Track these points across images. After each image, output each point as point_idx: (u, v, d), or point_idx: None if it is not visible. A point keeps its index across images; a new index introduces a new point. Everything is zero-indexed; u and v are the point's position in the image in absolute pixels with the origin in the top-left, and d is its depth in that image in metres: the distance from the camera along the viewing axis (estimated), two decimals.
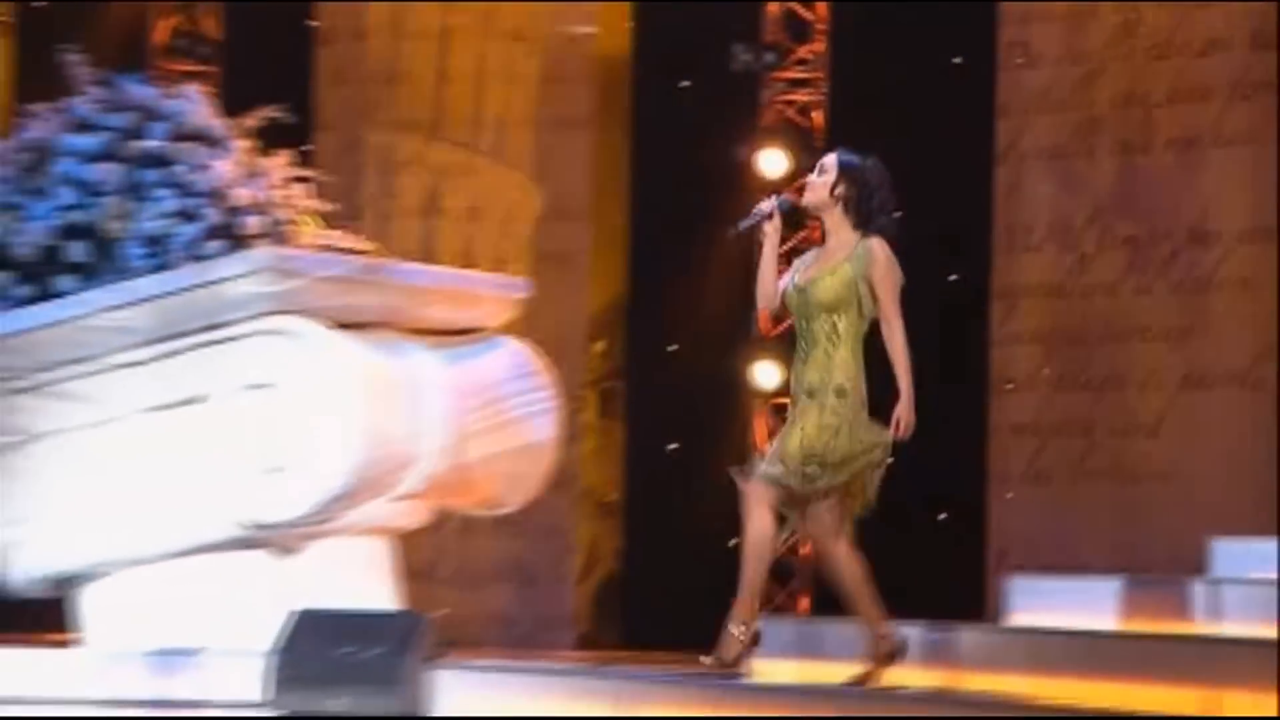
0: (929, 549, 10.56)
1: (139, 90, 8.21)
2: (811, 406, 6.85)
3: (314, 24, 10.84)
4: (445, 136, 10.78)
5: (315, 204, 8.16)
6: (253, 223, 7.88)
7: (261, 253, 7.64)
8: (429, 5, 10.81)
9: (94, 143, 8.01)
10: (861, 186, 6.93)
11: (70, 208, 7.93)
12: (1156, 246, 10.14)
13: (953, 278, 10.94)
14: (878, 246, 6.87)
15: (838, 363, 6.88)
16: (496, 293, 8.31)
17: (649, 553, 10.87)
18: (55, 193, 7.98)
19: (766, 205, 7.00)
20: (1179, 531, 9.92)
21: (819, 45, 10.89)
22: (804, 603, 10.93)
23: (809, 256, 7.03)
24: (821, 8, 10.89)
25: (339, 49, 10.87)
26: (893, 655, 6.83)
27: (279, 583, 7.88)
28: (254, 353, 7.64)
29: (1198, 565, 9.65)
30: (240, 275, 7.56)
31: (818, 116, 10.90)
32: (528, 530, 10.03)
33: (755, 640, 6.98)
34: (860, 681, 6.75)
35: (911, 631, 6.99)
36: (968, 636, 7.27)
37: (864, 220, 6.91)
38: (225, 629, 7.74)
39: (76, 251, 7.86)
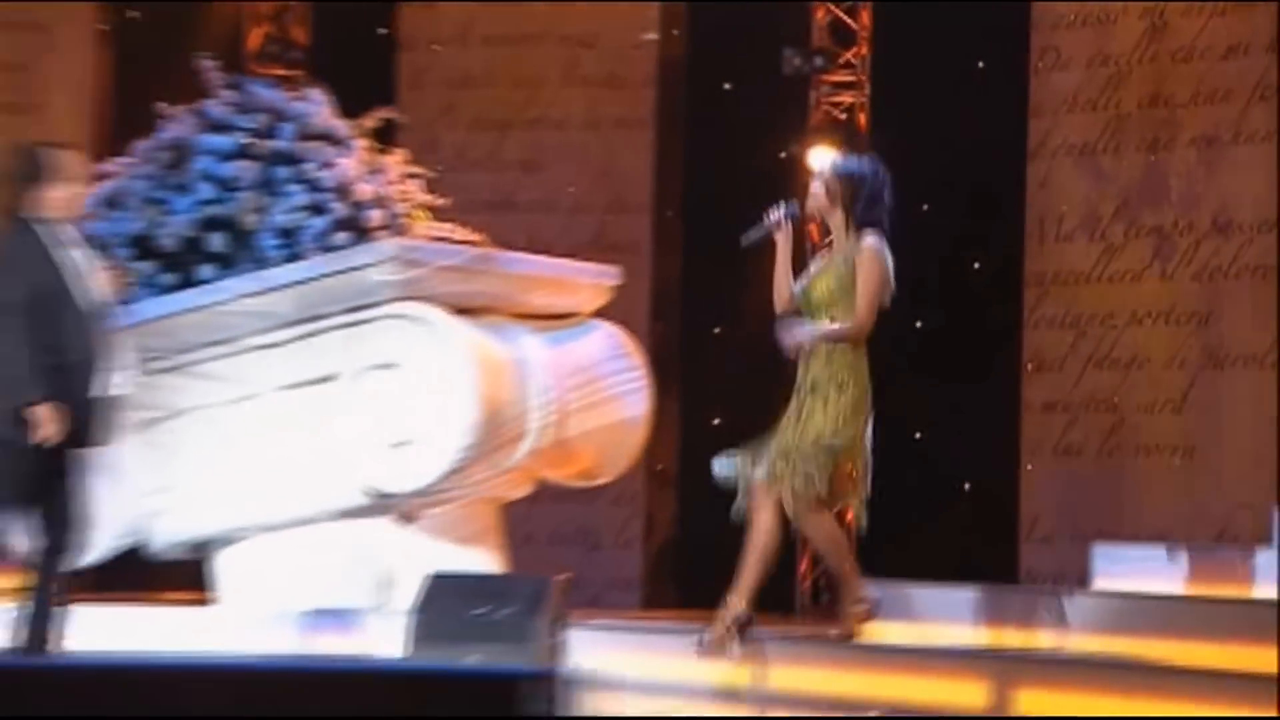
0: (966, 516, 11.32)
1: (267, 93, 8.92)
2: (811, 402, 7.12)
3: (387, 32, 11.53)
4: (516, 136, 11.50)
5: (428, 198, 8.90)
6: (375, 216, 8.62)
7: (388, 244, 8.35)
8: (500, 12, 11.53)
9: (229, 142, 8.72)
10: (857, 189, 7.16)
11: (209, 202, 8.64)
12: (1180, 237, 10.82)
13: (976, 265, 11.71)
14: (869, 245, 7.11)
15: (838, 358, 7.13)
16: (592, 280, 9.02)
17: (701, 520, 11.57)
18: (195, 188, 8.69)
19: (775, 214, 7.24)
20: (1201, 501, 10.72)
21: (863, 50, 11.59)
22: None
23: (818, 259, 7.40)
24: (865, 15, 11.59)
25: (416, 55, 11.60)
26: (868, 616, 7.23)
27: (400, 548, 8.62)
28: (381, 335, 8.33)
29: (1220, 532, 10.49)
30: (369, 264, 8.28)
31: (862, 117, 11.61)
32: (593, 497, 10.61)
33: (748, 624, 7.18)
34: (843, 638, 7.19)
35: (1014, 597, 7.61)
36: (1063, 602, 7.70)
37: (861, 221, 7.14)
38: (350, 590, 8.48)
39: (216, 242, 8.59)
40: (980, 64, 11.39)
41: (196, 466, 8.58)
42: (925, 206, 11.11)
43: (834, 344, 7.13)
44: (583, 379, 8.77)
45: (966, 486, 11.50)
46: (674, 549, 11.69)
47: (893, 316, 7.43)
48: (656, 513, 11.65)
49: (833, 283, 7.15)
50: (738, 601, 7.12)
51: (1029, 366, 11.18)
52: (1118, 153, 10.99)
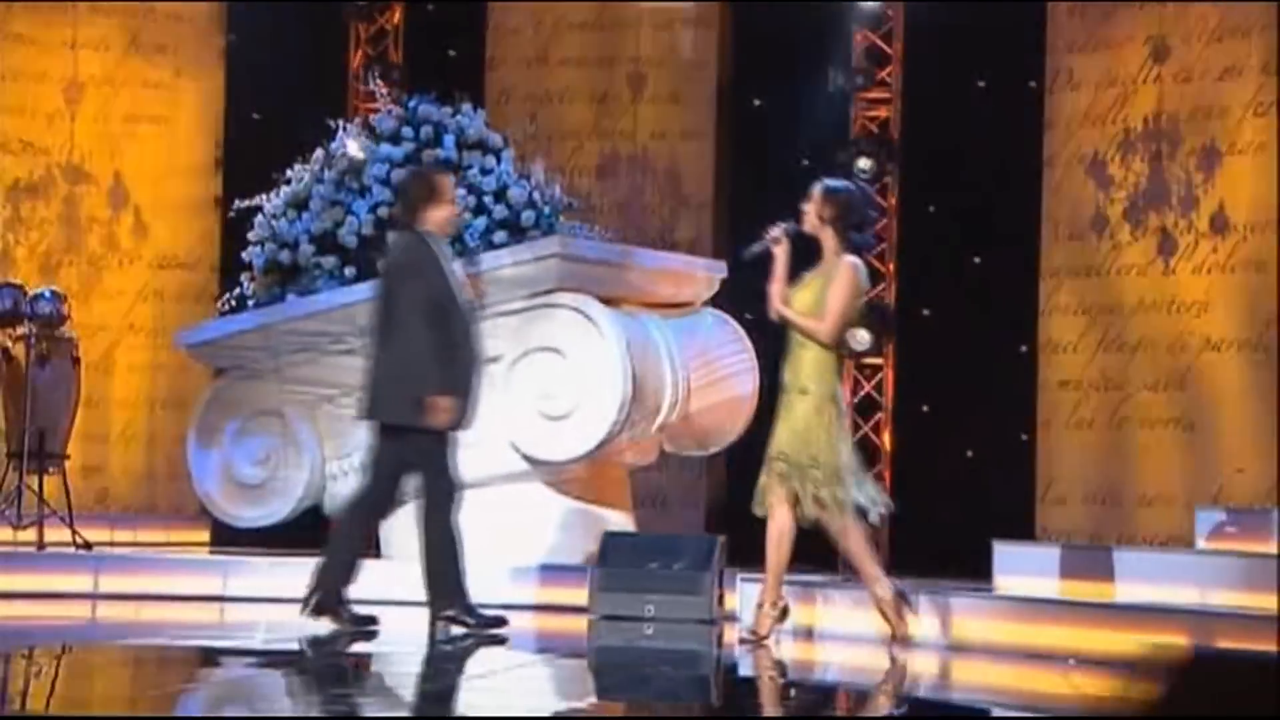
0: (988, 481, 12.63)
1: (428, 107, 10.06)
2: (783, 404, 7.56)
3: (472, 53, 12.72)
4: (592, 147, 12.73)
5: (567, 200, 10.09)
6: (527, 217, 9.82)
7: (552, 240, 9.54)
8: (575, 36, 12.76)
9: (400, 151, 9.89)
10: (844, 211, 7.54)
11: (384, 204, 9.80)
12: (1180, 236, 12.24)
13: (976, 260, 13.02)
14: (845, 262, 7.51)
15: (805, 364, 7.51)
16: (706, 273, 10.28)
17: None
18: (372, 192, 9.86)
19: (775, 232, 7.66)
20: (1199, 468, 12.11)
21: (895, 70, 12.94)
22: None
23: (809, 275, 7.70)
24: (898, 41, 12.92)
25: (502, 73, 12.82)
26: (785, 614, 7.66)
27: (552, 508, 9.79)
28: (544, 322, 9.53)
29: (1216, 494, 11.87)
30: (533, 260, 9.49)
31: (894, 130, 12.95)
32: (662, 462, 11.35)
33: (784, 615, 7.74)
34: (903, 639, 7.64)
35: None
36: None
37: (847, 241, 7.54)
38: (515, 545, 9.63)
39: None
40: (1000, 83, 12.70)
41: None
42: (950, 209, 12.56)
43: (801, 351, 7.56)
44: (703, 360, 9.95)
45: (990, 454, 12.73)
46: (723, 510, 12.85)
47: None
48: (710, 476, 12.73)
49: (811, 296, 7.56)
50: (771, 595, 7.64)
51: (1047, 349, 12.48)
52: (1125, 162, 12.39)
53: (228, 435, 10.01)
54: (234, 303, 10.08)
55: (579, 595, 8.93)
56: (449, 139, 9.88)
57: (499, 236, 9.68)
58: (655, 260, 10.06)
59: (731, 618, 8.59)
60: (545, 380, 9.47)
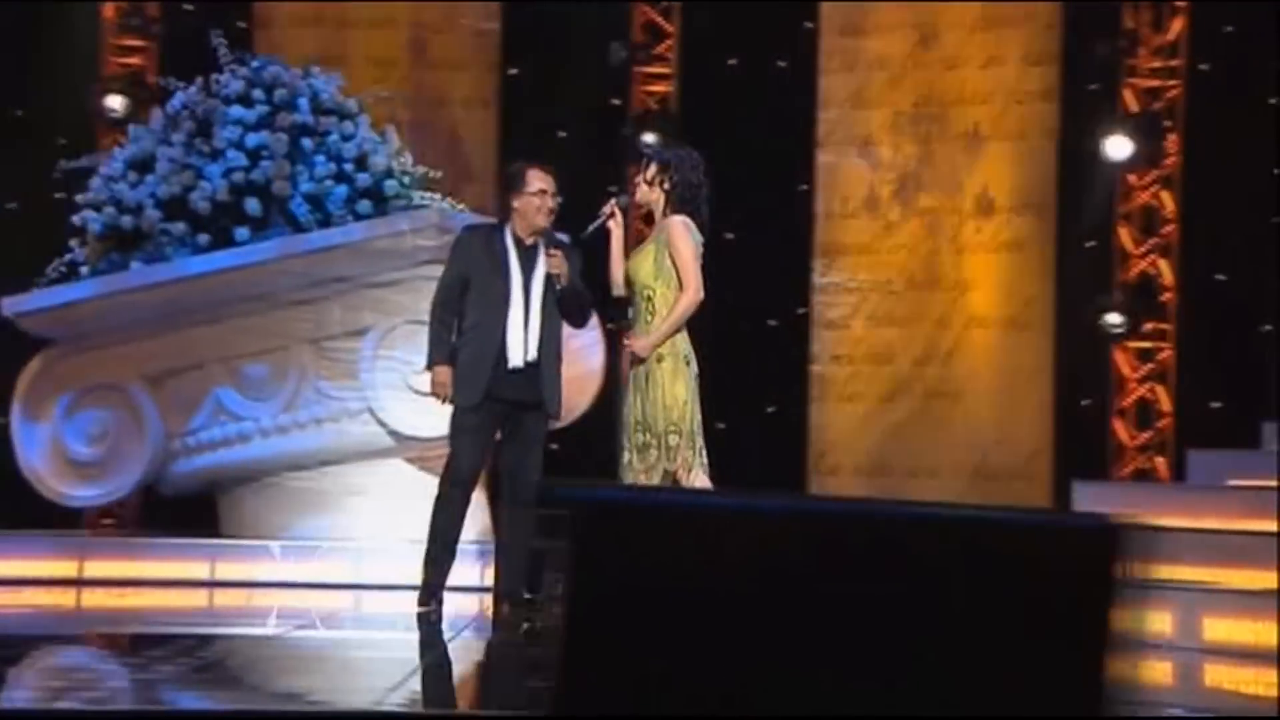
0: (762, 451, 12.82)
1: (276, 68, 9.65)
2: (640, 375, 7.36)
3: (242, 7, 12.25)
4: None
5: (423, 170, 9.84)
6: (390, 186, 9.54)
7: (427, 213, 9.29)
8: None
9: (253, 114, 9.47)
10: (672, 175, 7.40)
11: (239, 169, 9.38)
12: (948, 216, 12.72)
13: (728, 234, 13.20)
14: (674, 221, 7.34)
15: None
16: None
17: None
18: (226, 156, 9.42)
19: (608, 207, 7.52)
20: (963, 439, 12.61)
21: (672, 46, 12.98)
22: None
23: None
24: (676, 17, 12.95)
25: (272, 33, 12.32)
26: None
27: (413, 485, 9.51)
28: (412, 294, 9.28)
29: (978, 464, 12.38)
30: (410, 231, 9.23)
31: (671, 105, 13.00)
32: None
33: None
34: None
35: None
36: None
37: (679, 206, 7.37)
38: (380, 521, 9.37)
39: (252, 207, 9.35)
40: (777, 64, 12.93)
41: (229, 411, 9.39)
42: (726, 188, 12.65)
43: (651, 317, 7.36)
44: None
45: (762, 426, 12.93)
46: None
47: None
48: None
49: (650, 262, 7.40)
50: None
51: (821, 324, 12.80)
52: (896, 144, 12.78)
53: (59, 410, 9.48)
54: (64, 269, 9.50)
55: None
56: (303, 102, 9.54)
57: (363, 206, 9.40)
58: None
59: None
60: (416, 354, 9.23)
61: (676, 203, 7.44)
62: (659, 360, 7.36)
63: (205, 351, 9.36)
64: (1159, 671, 7.11)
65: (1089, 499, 9.44)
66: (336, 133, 9.50)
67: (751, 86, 12.82)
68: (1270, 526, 8.14)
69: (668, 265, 7.38)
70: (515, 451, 7.78)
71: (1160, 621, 7.66)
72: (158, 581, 8.99)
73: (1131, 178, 12.53)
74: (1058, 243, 12.39)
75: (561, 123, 12.46)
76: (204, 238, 9.32)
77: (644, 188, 7.54)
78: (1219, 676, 7.34)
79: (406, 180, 9.59)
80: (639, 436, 7.40)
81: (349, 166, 9.46)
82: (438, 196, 9.73)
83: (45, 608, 8.47)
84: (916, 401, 12.68)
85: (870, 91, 12.81)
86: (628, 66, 12.73)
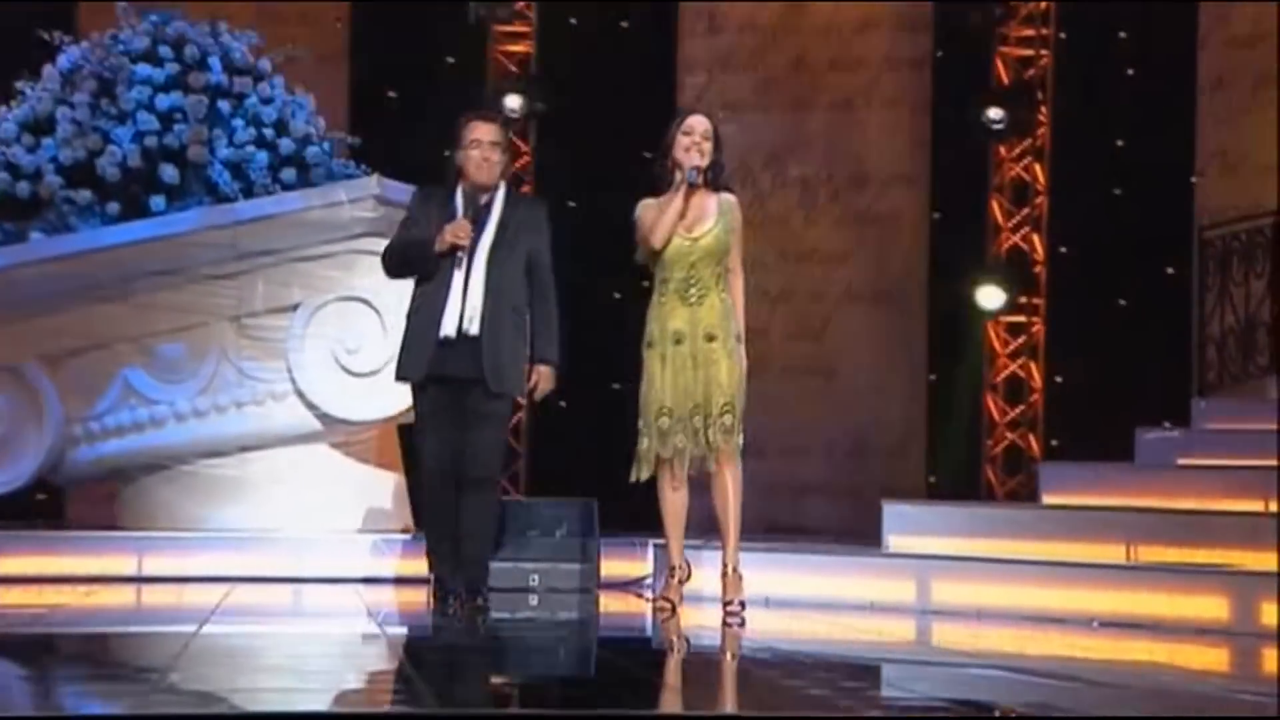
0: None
1: (181, 24, 8.84)
2: (682, 355, 7.16)
3: None
4: None
5: (340, 135, 9.13)
6: (312, 153, 8.82)
7: (365, 181, 8.58)
8: None
9: (162, 74, 8.65)
10: (719, 153, 7.27)
11: (150, 133, 8.55)
12: (821, 186, 12.37)
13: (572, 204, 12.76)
14: (736, 202, 7.26)
15: (720, 309, 7.13)
16: None
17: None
18: (135, 119, 8.57)
19: (695, 174, 7.17)
20: (838, 416, 12.31)
21: (533, 4, 12.41)
22: None
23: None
24: None
25: None
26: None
27: (340, 471, 8.87)
28: (344, 269, 8.63)
29: (853, 447, 12.10)
30: (347, 202, 8.52)
31: (532, 65, 12.41)
32: None
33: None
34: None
35: None
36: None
37: (726, 183, 7.30)
38: (305, 510, 8.71)
39: (168, 174, 8.54)
40: (642, 24, 12.42)
41: (143, 391, 8.61)
42: (588, 151, 12.15)
43: (716, 291, 7.20)
44: None
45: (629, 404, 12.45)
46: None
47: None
48: None
49: (721, 234, 7.20)
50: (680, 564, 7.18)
51: None
52: (766, 111, 12.37)
53: None
54: None
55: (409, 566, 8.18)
56: (215, 61, 8.75)
57: (288, 174, 8.67)
58: None
59: (610, 585, 8.13)
60: (349, 333, 8.59)
61: (722, 179, 7.26)
62: (714, 339, 7.10)
63: (113, 329, 8.54)
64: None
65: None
66: (255, 95, 8.73)
67: (616, 48, 12.31)
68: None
69: (727, 241, 7.18)
70: (463, 431, 7.09)
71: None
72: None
73: (1002, 149, 12.39)
74: (930, 215, 12.20)
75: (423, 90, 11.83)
76: (114, 206, 8.49)
77: (709, 151, 7.23)
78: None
79: (325, 146, 8.86)
80: (686, 419, 7.09)
81: (269, 132, 8.71)
82: (353, 164, 9.00)
83: None
84: (790, 377, 12.34)
85: (740, 56, 12.40)
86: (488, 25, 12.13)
